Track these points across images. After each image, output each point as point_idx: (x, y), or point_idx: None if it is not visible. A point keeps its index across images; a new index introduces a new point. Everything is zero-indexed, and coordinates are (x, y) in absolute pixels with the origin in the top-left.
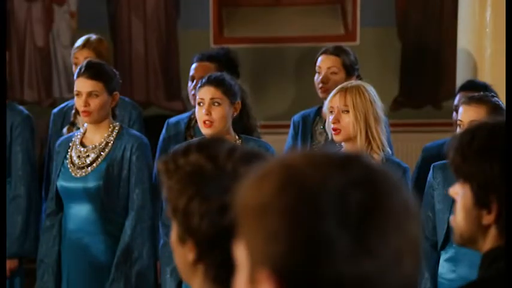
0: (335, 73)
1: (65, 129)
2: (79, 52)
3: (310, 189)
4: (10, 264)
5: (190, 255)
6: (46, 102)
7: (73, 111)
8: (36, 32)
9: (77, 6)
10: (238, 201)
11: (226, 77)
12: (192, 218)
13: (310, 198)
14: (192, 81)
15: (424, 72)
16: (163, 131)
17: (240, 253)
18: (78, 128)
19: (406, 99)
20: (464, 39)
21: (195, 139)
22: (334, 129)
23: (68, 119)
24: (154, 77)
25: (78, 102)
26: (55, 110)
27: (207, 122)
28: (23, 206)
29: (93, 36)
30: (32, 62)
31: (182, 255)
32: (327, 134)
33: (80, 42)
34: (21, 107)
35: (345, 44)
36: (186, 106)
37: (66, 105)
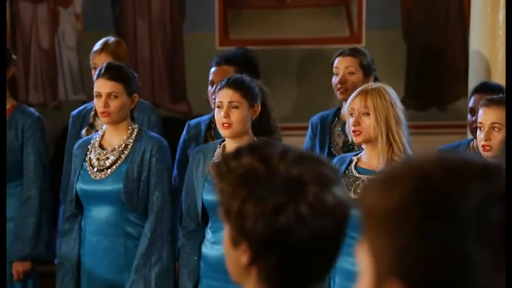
0: (353, 73)
1: (83, 131)
2: (97, 57)
3: (447, 199)
4: (23, 266)
5: (244, 258)
6: (51, 105)
7: (92, 113)
8: (41, 34)
9: (82, 8)
10: (364, 205)
11: (246, 79)
12: (246, 220)
13: (448, 209)
14: (212, 86)
15: (429, 74)
16: (184, 132)
17: (364, 259)
18: (97, 130)
19: (411, 101)
20: (477, 41)
21: (245, 144)
22: (354, 131)
23: (87, 121)
24: (160, 79)
25: (97, 103)
26: (74, 113)
27: (225, 124)
28: (35, 208)
29: (111, 39)
30: (37, 64)
31: (235, 257)
32: (345, 136)
33: (97, 46)
34: (31, 109)
35: (350, 46)
36: (192, 108)
37: (85, 107)
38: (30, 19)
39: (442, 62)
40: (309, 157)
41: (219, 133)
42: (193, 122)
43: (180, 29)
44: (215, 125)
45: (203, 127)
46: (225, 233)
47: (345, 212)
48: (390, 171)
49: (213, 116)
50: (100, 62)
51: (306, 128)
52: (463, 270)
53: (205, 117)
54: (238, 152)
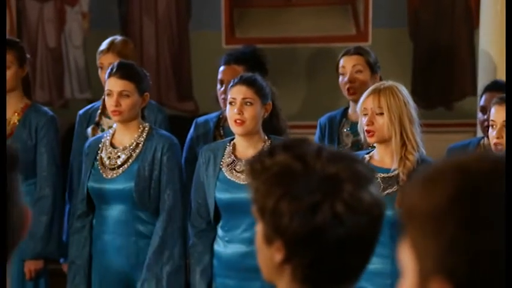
0: (360, 71)
1: (89, 130)
2: (104, 57)
3: (493, 198)
4: (35, 265)
5: (278, 256)
6: (58, 103)
7: (98, 111)
8: (48, 32)
9: (89, 6)
10: (405, 205)
11: (258, 77)
12: (282, 218)
13: (494, 208)
14: (221, 85)
15: (436, 73)
16: (192, 130)
17: (406, 257)
18: (103, 129)
19: (418, 100)
20: (486, 40)
21: (278, 141)
22: (367, 131)
23: (93, 120)
24: (166, 78)
25: (108, 102)
26: (81, 112)
27: (238, 120)
28: (47, 207)
29: (118, 38)
30: (44, 63)
31: (268, 255)
32: (353, 136)
33: (104, 46)
34: (45, 108)
35: (357, 45)
36: (199, 107)
37: (92, 106)
38: (36, 17)
39: (449, 61)
40: (344, 155)
41: (227, 131)
42: (200, 119)
43: (186, 28)
44: (223, 122)
45: (211, 125)
46: (258, 230)
47: (380, 210)
48: (431, 170)
49: (221, 113)
50: (107, 61)
51: (312, 127)
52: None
53: (213, 115)
54: (272, 150)
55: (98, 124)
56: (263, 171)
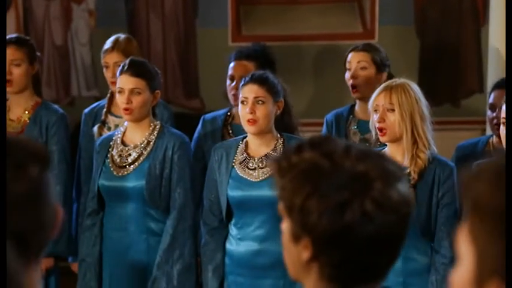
0: (365, 68)
1: (95, 128)
2: (109, 55)
3: None
4: (45, 263)
5: (305, 254)
6: (64, 101)
7: (104, 110)
8: (54, 30)
9: (95, 4)
10: (471, 194)
11: (270, 75)
12: (310, 216)
13: None
14: (232, 81)
15: (442, 70)
16: (199, 127)
17: (464, 248)
18: (109, 128)
19: (424, 97)
20: (495, 38)
21: (305, 139)
22: (380, 129)
23: (99, 119)
24: (173, 75)
25: (120, 99)
26: (86, 110)
27: (250, 120)
28: None
29: (122, 36)
30: (50, 61)
31: (295, 253)
32: (361, 134)
33: (108, 44)
34: (56, 106)
35: (363, 42)
36: (205, 104)
37: (98, 105)
38: (43, 15)
39: (455, 58)
40: (372, 153)
41: (236, 128)
42: (208, 116)
43: (193, 25)
44: (232, 120)
45: (219, 122)
46: (285, 228)
47: (409, 208)
48: (501, 163)
49: (229, 110)
50: (111, 60)
51: (319, 124)
52: None
53: (221, 112)
54: (299, 147)
55: (104, 123)
56: (290, 168)
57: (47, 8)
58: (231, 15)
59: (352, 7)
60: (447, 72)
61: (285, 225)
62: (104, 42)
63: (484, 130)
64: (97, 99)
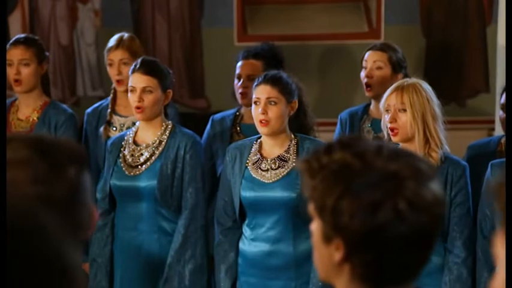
0: (380, 68)
1: (101, 129)
2: (113, 53)
3: None
4: None
5: (337, 255)
6: (70, 101)
7: (108, 110)
8: (60, 30)
9: (101, 4)
10: (503, 202)
11: (283, 75)
12: (342, 216)
13: None
14: (239, 80)
15: (448, 70)
16: (208, 127)
17: (502, 252)
18: (115, 128)
19: None
20: (503, 37)
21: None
22: (391, 129)
23: (103, 119)
24: (178, 75)
25: (132, 98)
26: (88, 110)
27: (263, 121)
28: None
29: (125, 35)
30: (56, 60)
31: (326, 254)
32: (374, 132)
33: (112, 42)
34: (65, 106)
35: (368, 42)
36: (211, 104)
37: (100, 104)
38: (48, 15)
39: (461, 58)
40: (404, 153)
41: (245, 128)
42: (217, 116)
43: (199, 25)
44: (241, 119)
45: (228, 122)
46: (315, 229)
47: (441, 207)
48: None
49: (238, 110)
50: (116, 58)
51: (324, 124)
52: None
53: (230, 112)
54: (329, 148)
55: (109, 123)
56: (320, 169)
57: (53, 8)
58: (237, 14)
59: (358, 7)
60: (453, 71)
61: (316, 226)
62: None
63: (490, 130)
64: (102, 99)
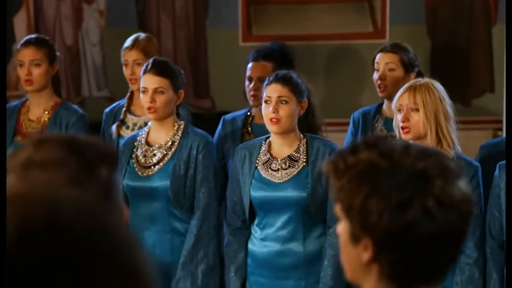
0: (393, 70)
1: (113, 127)
2: (128, 54)
3: None
4: None
5: (366, 255)
6: (75, 101)
7: (124, 109)
8: (65, 30)
9: (106, 4)
10: None
11: (294, 75)
12: (370, 216)
13: None
14: (250, 82)
15: (453, 69)
16: (219, 127)
17: None
18: (128, 127)
19: None
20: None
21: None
22: (403, 128)
23: (119, 118)
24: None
25: (144, 99)
26: (107, 110)
27: (273, 119)
28: None
29: (142, 35)
30: (61, 61)
31: (354, 254)
32: (387, 131)
33: (128, 42)
34: (75, 106)
35: (373, 42)
36: (215, 104)
37: (118, 104)
38: (53, 15)
39: (466, 58)
40: (431, 151)
41: (256, 128)
42: (228, 117)
43: (204, 25)
44: (252, 120)
45: (239, 122)
46: (342, 229)
47: (470, 205)
48: None
49: (249, 111)
50: (131, 58)
51: (330, 124)
52: None
53: (241, 112)
54: (354, 148)
55: (122, 121)
56: (347, 169)
57: (58, 8)
58: (242, 15)
59: (363, 7)
60: (458, 71)
61: (343, 227)
62: (114, 42)
63: (496, 129)
64: (108, 99)
